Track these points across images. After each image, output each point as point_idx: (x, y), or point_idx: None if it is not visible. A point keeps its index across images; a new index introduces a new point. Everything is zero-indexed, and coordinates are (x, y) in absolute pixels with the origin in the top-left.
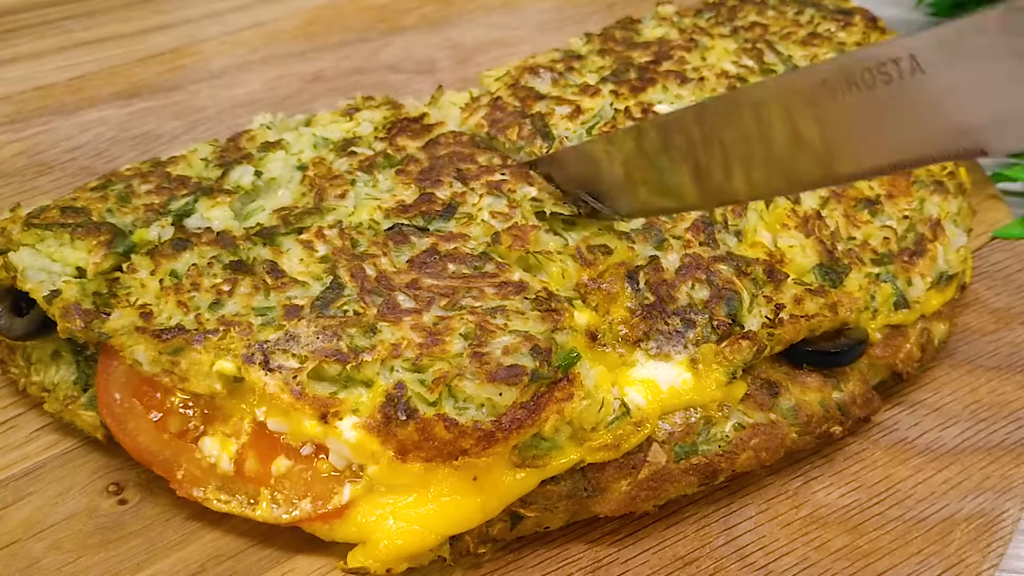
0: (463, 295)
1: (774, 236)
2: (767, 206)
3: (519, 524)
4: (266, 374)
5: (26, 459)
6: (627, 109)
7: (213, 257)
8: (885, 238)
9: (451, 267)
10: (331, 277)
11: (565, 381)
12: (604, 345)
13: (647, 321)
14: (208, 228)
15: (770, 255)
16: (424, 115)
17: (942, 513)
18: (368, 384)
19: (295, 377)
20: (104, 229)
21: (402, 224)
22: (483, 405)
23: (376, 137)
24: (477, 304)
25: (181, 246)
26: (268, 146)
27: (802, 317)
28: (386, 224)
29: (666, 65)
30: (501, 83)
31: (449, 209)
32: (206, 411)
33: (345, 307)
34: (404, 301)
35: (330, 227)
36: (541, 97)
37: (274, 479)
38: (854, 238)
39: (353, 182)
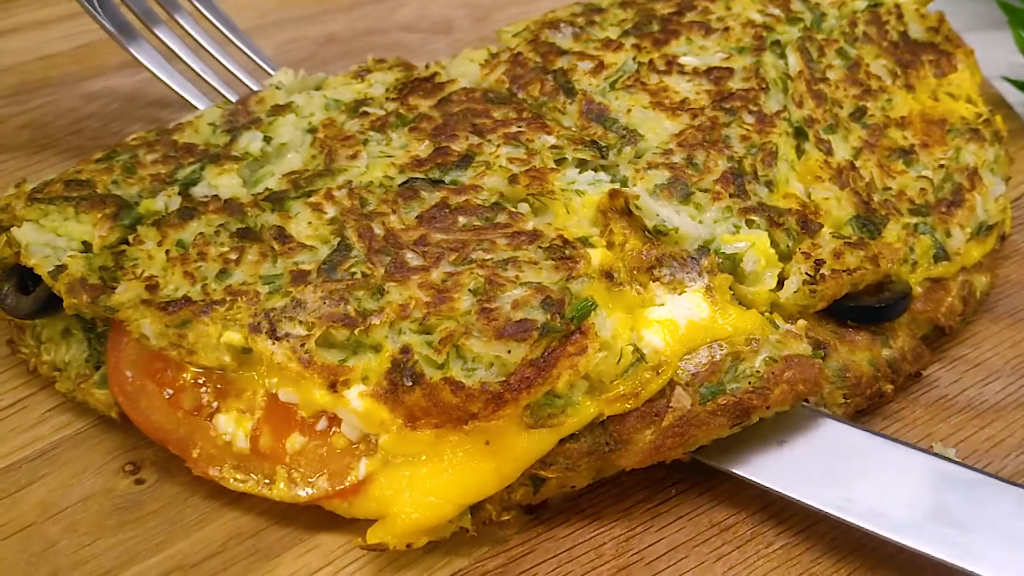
0: (474, 248)
1: (807, 188)
2: (798, 156)
3: (542, 487)
4: (273, 343)
5: (39, 440)
6: (651, 62)
7: (220, 225)
8: (922, 189)
9: (461, 220)
10: (338, 239)
11: (578, 334)
12: (621, 284)
13: (659, 247)
14: (215, 196)
15: (803, 206)
16: (436, 74)
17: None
18: (377, 349)
19: (303, 345)
20: (109, 201)
21: (416, 178)
22: (492, 364)
23: (388, 98)
24: (488, 257)
25: (188, 215)
26: (278, 110)
27: (843, 271)
28: (400, 180)
29: (690, 16)
30: (520, 39)
31: (465, 159)
32: (219, 386)
33: (353, 269)
34: (412, 259)
35: (339, 188)
36: (563, 52)
37: (289, 456)
38: (890, 188)
39: (366, 142)
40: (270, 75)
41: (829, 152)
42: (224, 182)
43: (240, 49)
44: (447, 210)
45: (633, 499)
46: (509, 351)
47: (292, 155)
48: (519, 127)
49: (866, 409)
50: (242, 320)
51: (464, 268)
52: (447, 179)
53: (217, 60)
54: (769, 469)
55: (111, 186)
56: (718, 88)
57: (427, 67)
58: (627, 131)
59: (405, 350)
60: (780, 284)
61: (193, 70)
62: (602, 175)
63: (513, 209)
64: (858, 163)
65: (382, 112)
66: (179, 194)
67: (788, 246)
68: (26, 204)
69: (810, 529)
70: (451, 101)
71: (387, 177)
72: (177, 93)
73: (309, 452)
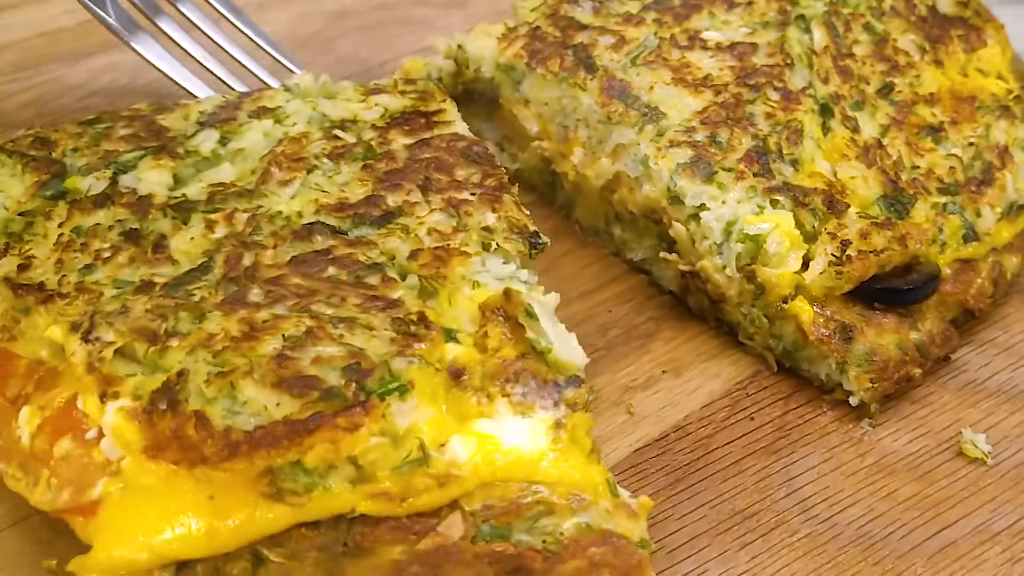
0: (320, 299)
1: (833, 166)
2: (824, 134)
3: (260, 567)
4: (81, 344)
5: None
6: (672, 37)
7: (118, 221)
8: (951, 167)
9: (331, 271)
10: (205, 259)
11: (359, 408)
12: (466, 389)
13: (528, 360)
14: (134, 189)
15: (829, 186)
16: (440, 111)
17: (1016, 458)
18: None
19: (101, 352)
20: (53, 169)
21: (322, 223)
22: (258, 414)
23: (374, 125)
24: (328, 311)
25: (100, 203)
26: (262, 112)
27: (870, 252)
28: (308, 220)
29: None
30: (538, 13)
31: (386, 216)
32: (39, 377)
33: (196, 291)
34: (255, 295)
35: (245, 211)
36: (583, 27)
37: (55, 461)
38: (918, 167)
39: (311, 169)
40: (288, 68)
41: (856, 130)
42: (151, 177)
43: (252, 39)
44: (324, 258)
45: (654, 486)
46: (278, 404)
47: (226, 165)
48: (472, 193)
49: (893, 394)
50: (73, 317)
51: (294, 315)
52: (353, 233)
53: (234, 57)
54: None
55: (69, 153)
56: (742, 64)
57: (444, 100)
58: (649, 108)
59: (181, 374)
60: (805, 266)
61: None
62: (523, 272)
63: (390, 274)
64: (885, 141)
65: (353, 140)
66: (110, 179)
67: (813, 226)
68: None
69: (836, 516)
70: (427, 145)
71: (298, 214)
72: (184, 88)
73: (72, 460)
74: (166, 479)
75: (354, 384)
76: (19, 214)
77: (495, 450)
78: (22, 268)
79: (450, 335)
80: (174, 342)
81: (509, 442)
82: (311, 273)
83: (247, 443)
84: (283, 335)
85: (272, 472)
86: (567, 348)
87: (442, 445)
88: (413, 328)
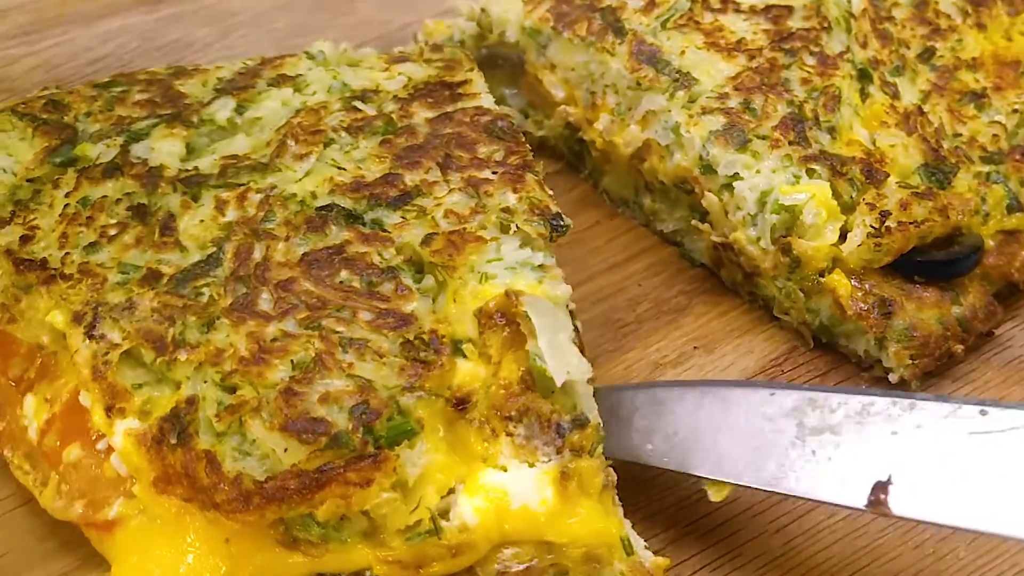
0: (330, 313)
1: (871, 134)
2: (863, 100)
3: None
4: (85, 340)
5: None
6: (704, 0)
7: (127, 194)
8: (994, 135)
9: (343, 275)
10: (214, 249)
11: (369, 461)
12: (472, 420)
13: (531, 394)
14: (145, 160)
15: (868, 154)
16: (465, 82)
17: None
18: (177, 387)
19: (107, 353)
20: (64, 134)
21: (335, 206)
22: (267, 456)
23: (396, 96)
24: (339, 329)
25: (110, 173)
26: (281, 79)
27: (910, 224)
28: (322, 201)
29: None
30: None
31: (403, 197)
32: (42, 361)
33: (203, 288)
34: (264, 301)
35: (259, 190)
36: None
37: (64, 466)
38: (960, 135)
39: (328, 143)
40: None
41: (895, 96)
42: (164, 147)
43: None
44: (337, 258)
45: None
46: (286, 449)
47: (240, 137)
48: (493, 172)
49: (935, 371)
50: (75, 304)
51: (303, 333)
52: (368, 216)
53: None
54: None
55: (81, 117)
56: (777, 27)
57: (471, 70)
58: (680, 74)
59: (191, 401)
60: (843, 237)
61: None
62: (539, 256)
63: (404, 281)
64: (926, 107)
65: (373, 112)
66: (121, 147)
67: (851, 197)
68: (8, 114)
69: None
70: (450, 119)
71: (312, 195)
72: None
73: (82, 469)
74: (177, 514)
75: (362, 428)
76: (27, 180)
77: (504, 507)
78: (25, 240)
79: (457, 347)
80: (182, 355)
81: (517, 498)
82: (322, 277)
83: (259, 494)
84: (292, 360)
85: (285, 522)
86: (561, 365)
87: (451, 491)
88: (423, 354)
